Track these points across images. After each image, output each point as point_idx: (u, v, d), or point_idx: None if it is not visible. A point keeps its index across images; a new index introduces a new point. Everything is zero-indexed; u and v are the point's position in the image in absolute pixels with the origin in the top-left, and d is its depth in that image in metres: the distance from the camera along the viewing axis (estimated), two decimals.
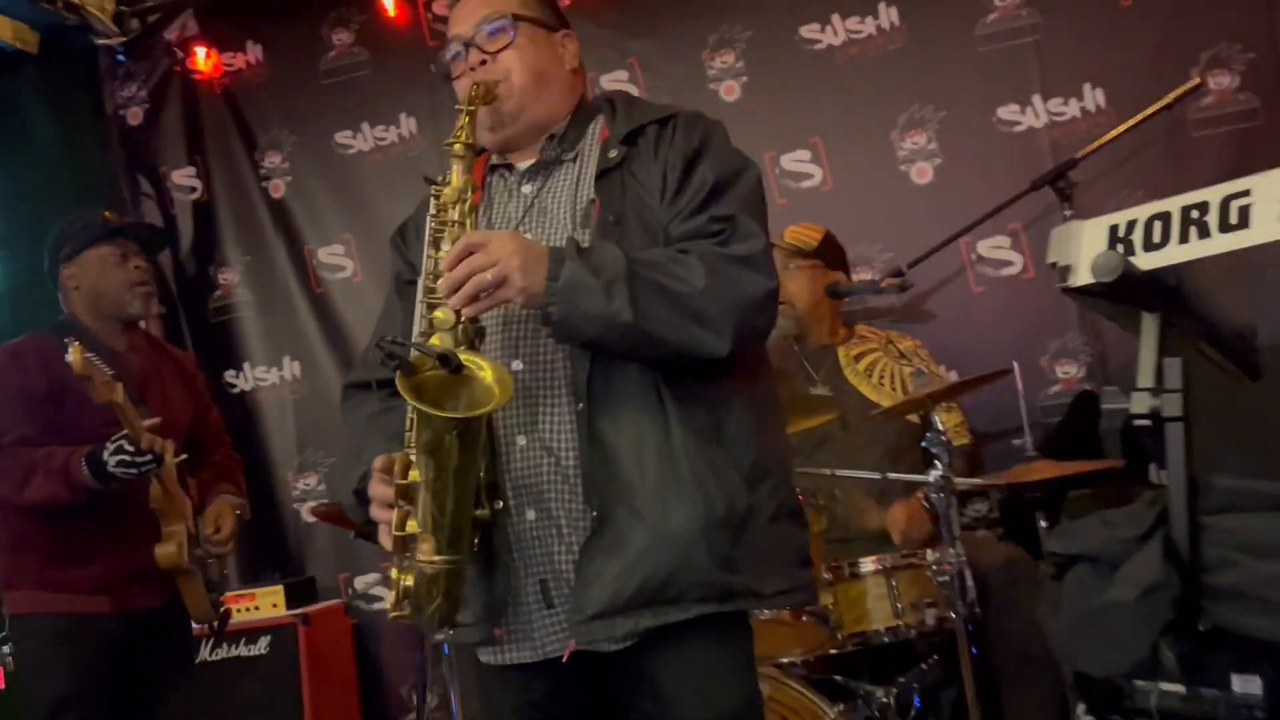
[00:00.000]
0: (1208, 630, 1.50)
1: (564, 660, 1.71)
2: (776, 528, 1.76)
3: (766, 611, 2.61)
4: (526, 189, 1.87)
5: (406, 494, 1.63)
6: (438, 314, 1.65)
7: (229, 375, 4.58)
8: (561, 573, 1.72)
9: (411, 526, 1.62)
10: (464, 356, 1.60)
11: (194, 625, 3.05)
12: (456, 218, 1.73)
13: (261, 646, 3.87)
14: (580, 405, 1.70)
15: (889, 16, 3.96)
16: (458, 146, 1.76)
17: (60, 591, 2.85)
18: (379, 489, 1.68)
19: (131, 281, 3.02)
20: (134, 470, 2.72)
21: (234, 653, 3.86)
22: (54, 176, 4.62)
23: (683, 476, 1.68)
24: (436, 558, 1.60)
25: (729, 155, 1.82)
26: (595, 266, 1.64)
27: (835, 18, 4.00)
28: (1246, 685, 1.54)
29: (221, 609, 3.04)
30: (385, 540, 1.67)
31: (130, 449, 2.70)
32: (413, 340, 1.66)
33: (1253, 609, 1.46)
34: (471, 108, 1.78)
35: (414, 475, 1.61)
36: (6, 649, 2.99)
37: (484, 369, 1.60)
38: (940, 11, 3.92)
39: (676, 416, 1.70)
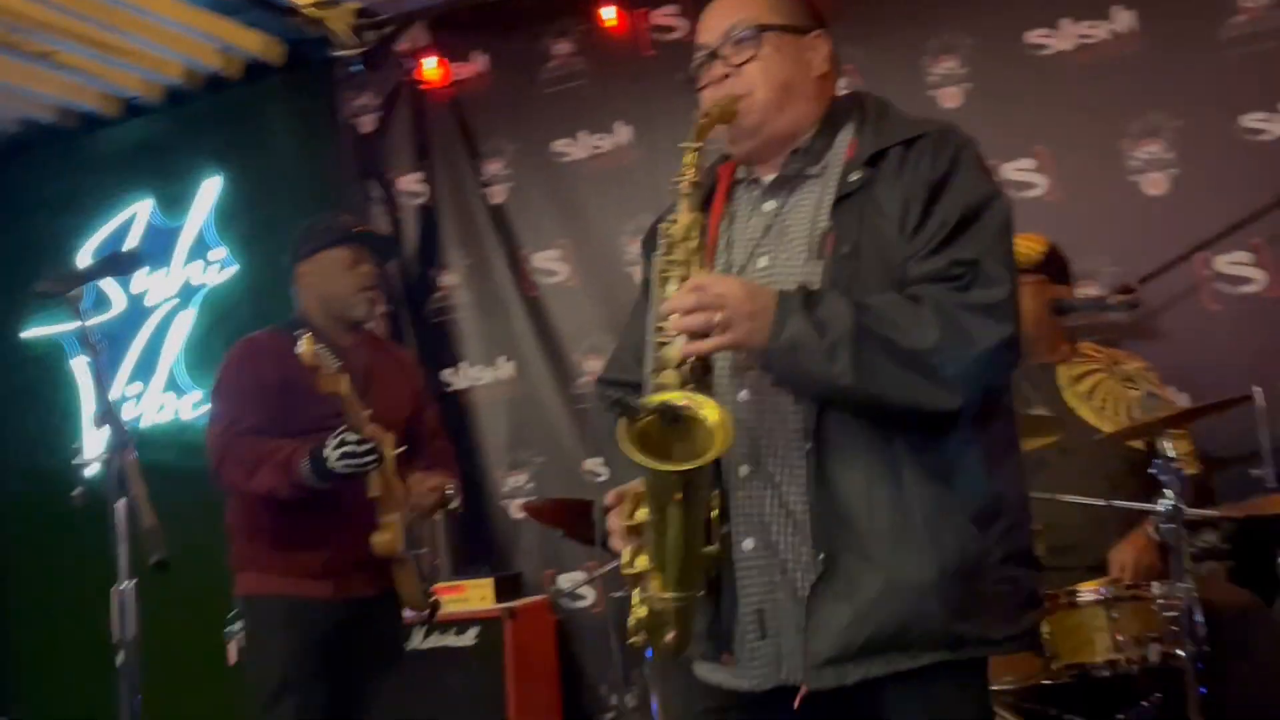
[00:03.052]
0: None
1: (795, 707, 1.68)
2: (1007, 570, 1.69)
3: None
4: (768, 206, 1.83)
5: (638, 531, 1.66)
6: (666, 351, 1.64)
7: (446, 374, 4.74)
8: (779, 604, 1.70)
9: (642, 563, 1.65)
10: (686, 398, 1.60)
11: (406, 613, 3.17)
12: (682, 258, 1.71)
13: (469, 637, 4.00)
14: (809, 445, 1.67)
15: (1124, 19, 3.78)
16: (684, 185, 1.72)
17: (286, 575, 3.01)
18: (613, 524, 1.72)
19: (360, 286, 3.16)
20: (356, 464, 2.84)
21: (443, 642, 4.00)
22: (291, 181, 4.92)
23: (914, 524, 1.64)
24: (666, 594, 1.63)
25: (976, 185, 1.72)
26: (820, 321, 1.60)
27: (1065, 21, 3.85)
28: None
29: (432, 599, 3.15)
30: (624, 570, 1.70)
31: (353, 440, 2.83)
32: (645, 373, 1.69)
33: None
34: (698, 145, 1.73)
35: (641, 515, 1.64)
36: (238, 626, 3.17)
37: (707, 412, 1.58)
38: (1181, 13, 3.72)
39: (909, 460, 1.65)
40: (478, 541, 4.57)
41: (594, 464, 4.42)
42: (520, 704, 3.91)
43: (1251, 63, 3.61)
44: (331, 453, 2.83)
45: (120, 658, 1.79)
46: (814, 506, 1.66)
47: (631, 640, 1.69)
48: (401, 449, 3.07)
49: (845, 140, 1.81)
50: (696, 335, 1.60)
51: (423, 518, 3.18)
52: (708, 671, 1.80)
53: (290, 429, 2.97)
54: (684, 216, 1.71)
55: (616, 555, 1.74)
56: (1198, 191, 3.66)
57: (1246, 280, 3.62)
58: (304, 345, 2.69)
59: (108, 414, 1.91)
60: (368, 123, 4.91)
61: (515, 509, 4.54)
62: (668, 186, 1.75)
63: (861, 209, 1.72)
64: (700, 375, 1.64)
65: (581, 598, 4.42)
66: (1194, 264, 3.60)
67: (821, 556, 1.65)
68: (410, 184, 4.85)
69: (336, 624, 3.01)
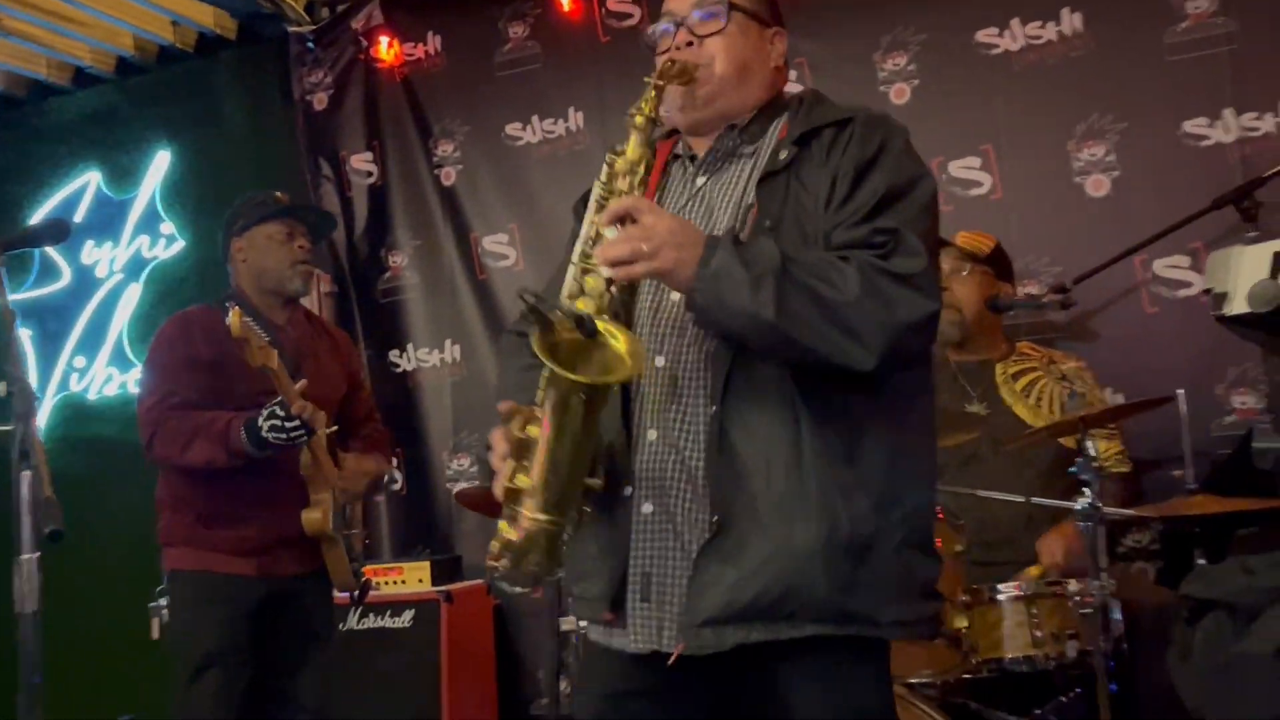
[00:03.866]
0: None
1: (670, 663, 1.70)
2: (902, 557, 1.71)
3: None
4: (700, 181, 1.87)
5: (522, 448, 1.64)
6: (589, 280, 1.66)
7: (393, 355, 4.73)
8: (668, 570, 1.72)
9: (522, 481, 1.63)
10: (602, 325, 1.61)
11: (336, 594, 3.17)
12: (625, 188, 1.73)
13: (405, 620, 4.00)
14: (714, 409, 1.69)
15: (1072, 22, 3.81)
16: (639, 119, 1.77)
17: (214, 551, 3.01)
18: (498, 442, 1.70)
19: (294, 260, 3.15)
20: (284, 436, 2.83)
21: (379, 624, 3.99)
22: (242, 157, 4.89)
23: (809, 494, 1.65)
24: (540, 515, 1.61)
25: (905, 164, 1.75)
26: (748, 259, 1.61)
27: (1014, 22, 3.86)
28: None
29: (362, 579, 3.14)
30: (497, 490, 1.68)
31: (281, 414, 2.82)
32: (560, 300, 1.67)
33: None
34: (660, 82, 1.78)
35: (532, 431, 1.62)
36: (164, 601, 3.16)
37: (619, 339, 1.60)
38: (1128, 18, 3.73)
39: (810, 434, 1.66)
40: (419, 524, 4.58)
41: None
42: (454, 688, 3.91)
43: (1194, 69, 3.63)
44: (264, 423, 2.83)
45: (21, 632, 1.77)
46: (712, 470, 1.68)
47: (491, 564, 1.66)
48: (333, 429, 3.06)
49: (779, 125, 1.87)
50: (623, 263, 1.61)
51: (355, 501, 3.17)
52: (599, 635, 1.82)
53: (224, 404, 2.96)
54: (632, 149, 1.75)
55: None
56: (1139, 194, 3.68)
57: (1184, 284, 3.65)
58: (232, 317, 2.68)
59: (13, 381, 1.89)
60: (320, 100, 4.87)
61: (458, 492, 4.54)
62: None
63: (786, 185, 1.75)
64: (618, 310, 1.67)
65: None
66: (1133, 266, 3.63)
67: (715, 519, 1.66)
68: (361, 163, 4.83)
69: (263, 601, 3.01)
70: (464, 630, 4.05)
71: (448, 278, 4.67)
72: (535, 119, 4.54)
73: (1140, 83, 3.71)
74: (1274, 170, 3.14)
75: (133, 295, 5.19)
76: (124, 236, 5.23)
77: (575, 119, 4.48)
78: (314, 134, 4.87)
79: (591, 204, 1.77)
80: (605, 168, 1.77)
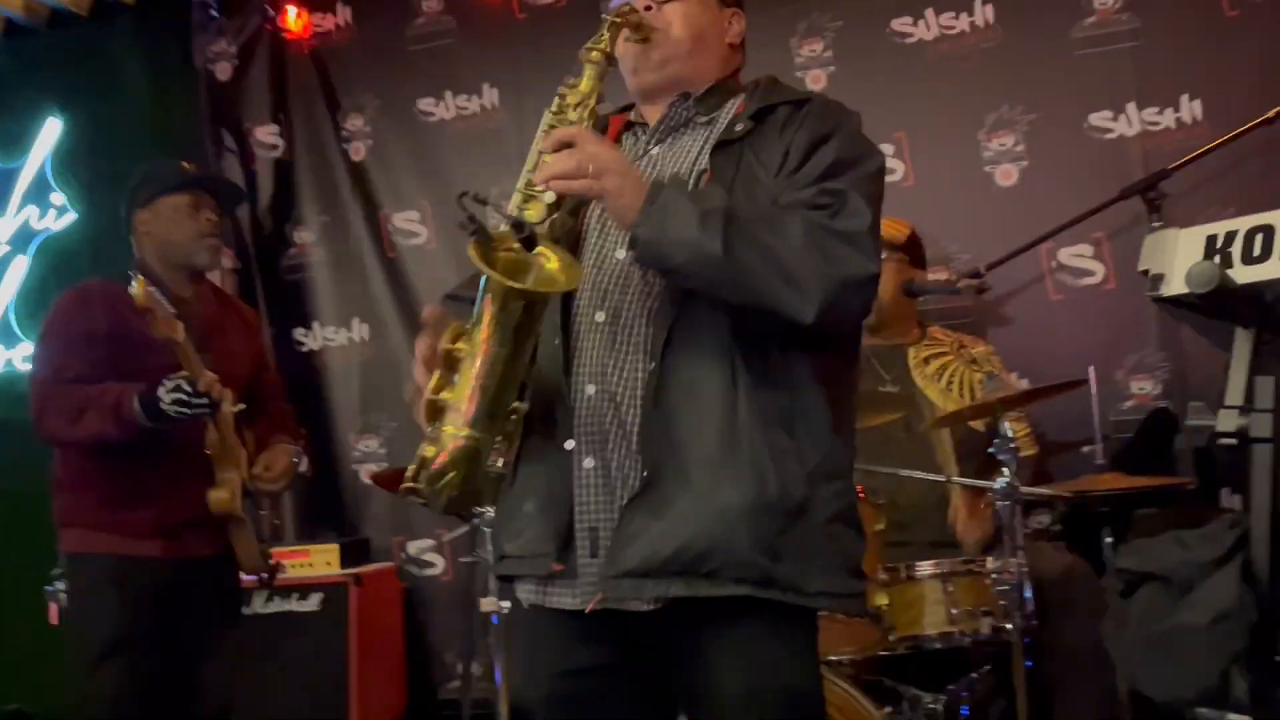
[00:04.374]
0: None
1: (586, 612, 1.69)
2: (831, 530, 1.72)
3: None
4: (655, 150, 1.87)
5: (450, 361, 1.60)
6: (531, 208, 1.63)
7: (298, 333, 4.63)
8: (610, 524, 1.71)
9: (447, 395, 1.60)
10: (541, 244, 1.60)
11: (244, 576, 3.09)
12: (576, 119, 1.73)
13: (313, 603, 3.92)
14: (652, 365, 1.69)
15: (984, 14, 3.89)
16: (594, 53, 1.77)
17: (115, 533, 2.90)
18: (422, 348, 1.66)
19: (201, 232, 3.05)
20: (188, 411, 2.74)
21: (286, 607, 3.91)
22: (141, 127, 4.71)
23: (740, 455, 1.66)
24: (463, 431, 1.57)
25: (857, 142, 1.79)
26: (695, 196, 1.65)
27: (929, 12, 3.93)
28: None
29: (271, 561, 3.07)
30: (418, 412, 1.64)
31: (188, 389, 2.73)
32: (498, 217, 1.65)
33: None
34: (619, 20, 1.79)
35: (461, 347, 1.59)
36: (60, 585, 3.04)
37: (553, 259, 1.59)
38: (1037, 11, 3.84)
39: (747, 398, 1.67)
40: (325, 506, 4.49)
41: None
42: (364, 672, 3.86)
43: (1101, 63, 3.75)
44: (166, 395, 2.72)
45: None
46: (646, 427, 1.68)
47: (407, 484, 1.61)
48: (240, 407, 2.97)
49: (736, 102, 1.88)
50: (565, 178, 1.60)
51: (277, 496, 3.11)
52: (534, 595, 1.80)
53: (124, 381, 2.85)
54: (585, 83, 1.75)
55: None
56: (1046, 185, 3.78)
57: (1087, 273, 3.76)
58: (136, 286, 2.58)
59: None
60: (223, 70, 4.73)
61: (366, 474, 4.47)
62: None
63: (740, 156, 1.77)
64: (559, 237, 1.65)
65: (430, 565, 4.37)
66: (1039, 255, 3.73)
67: (644, 474, 1.67)
68: (266, 136, 4.70)
69: (168, 585, 2.91)
70: (373, 614, 3.99)
71: (356, 255, 4.58)
72: (449, 94, 4.48)
73: (1048, 76, 3.82)
74: (1180, 162, 3.25)
75: (20, 268, 4.98)
76: (10, 206, 5.01)
77: (490, 96, 4.43)
78: (217, 105, 4.72)
79: (539, 133, 1.75)
80: (557, 99, 1.76)
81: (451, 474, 1.59)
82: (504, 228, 1.62)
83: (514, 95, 4.38)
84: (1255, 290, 1.46)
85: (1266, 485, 1.42)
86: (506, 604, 3.13)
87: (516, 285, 1.54)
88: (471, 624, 3.62)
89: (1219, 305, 1.46)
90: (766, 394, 1.68)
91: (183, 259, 3.05)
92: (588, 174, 1.60)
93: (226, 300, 3.33)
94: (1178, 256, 1.52)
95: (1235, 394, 1.45)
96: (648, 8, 1.85)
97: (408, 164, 4.54)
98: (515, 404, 1.63)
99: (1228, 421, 1.44)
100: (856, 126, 1.81)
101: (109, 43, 4.83)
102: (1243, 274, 1.47)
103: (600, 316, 1.75)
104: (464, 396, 1.57)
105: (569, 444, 1.73)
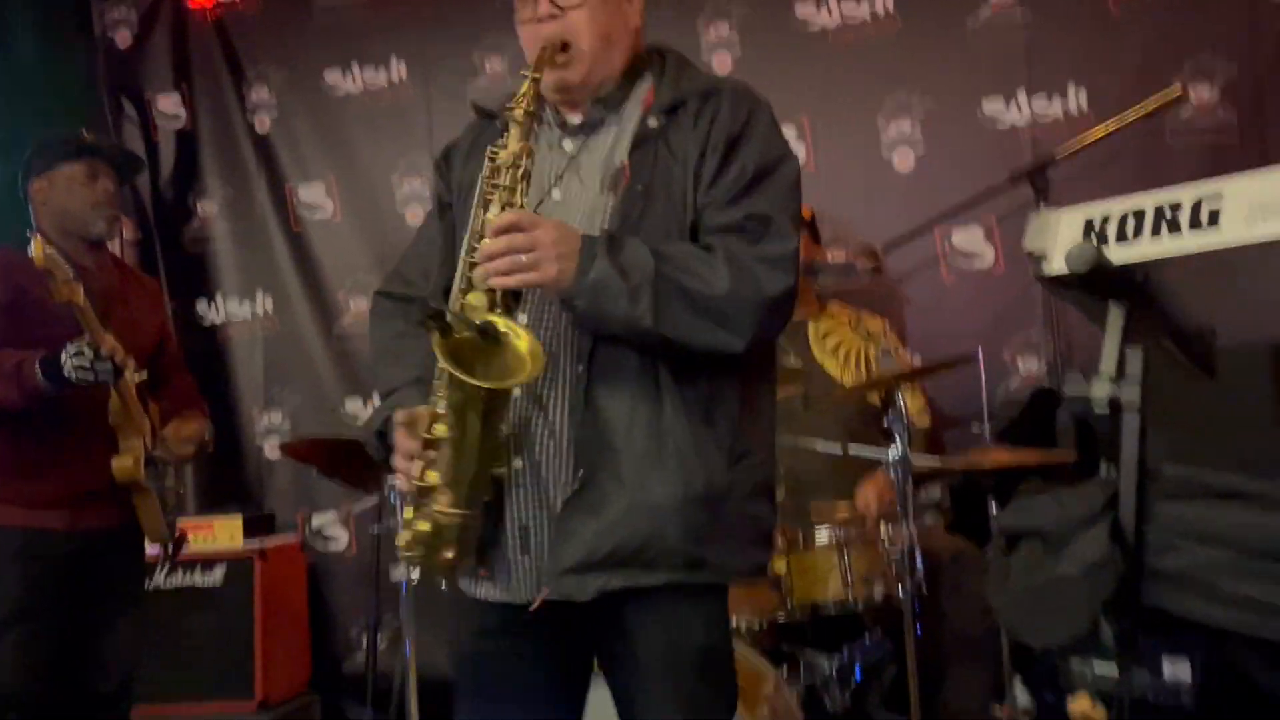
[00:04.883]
0: (1145, 611, 1.57)
1: (532, 609, 1.76)
2: (750, 506, 1.82)
3: None
4: (568, 145, 1.90)
5: (430, 444, 1.69)
6: (477, 273, 1.69)
7: (200, 306, 4.58)
8: (541, 523, 1.78)
9: (431, 477, 1.68)
10: (501, 323, 1.65)
11: (148, 548, 3.07)
12: (508, 183, 1.75)
13: (216, 577, 3.90)
14: (580, 368, 1.75)
15: (884, 3, 4.01)
16: (518, 112, 1.77)
17: (16, 504, 2.86)
18: (404, 442, 1.75)
19: (97, 202, 3.01)
20: (91, 376, 2.71)
21: (189, 581, 3.88)
22: (36, 94, 4.56)
23: (668, 452, 1.73)
24: (453, 510, 1.67)
25: (771, 143, 1.83)
26: (624, 267, 1.68)
27: (831, 0, 4.04)
28: (1177, 670, 1.62)
29: (176, 532, 3.06)
30: (404, 486, 1.74)
31: (90, 353, 2.70)
32: (453, 289, 1.72)
33: (1190, 593, 1.53)
34: (537, 75, 1.79)
35: (439, 431, 1.67)
36: None
37: (520, 338, 1.65)
38: (934, 2, 3.97)
39: (671, 393, 1.75)
40: (227, 479, 4.46)
41: (354, 405, 4.38)
42: (268, 645, 3.85)
43: (994, 53, 3.89)
44: (68, 359, 2.69)
45: None
46: (578, 429, 1.74)
47: (405, 556, 1.72)
48: (143, 375, 2.95)
49: (644, 88, 1.90)
50: (506, 273, 1.66)
51: (180, 465, 3.09)
52: (473, 587, 1.85)
53: (21, 347, 2.81)
54: (513, 143, 1.77)
55: (389, 476, 1.77)
56: (940, 170, 3.93)
57: (978, 256, 3.91)
58: (35, 247, 2.55)
59: None
60: (123, 38, 4.65)
61: (270, 448, 4.45)
62: (440, 125, 1.79)
63: (656, 152, 1.81)
64: (510, 303, 1.70)
65: (334, 539, 4.38)
66: (934, 237, 3.87)
67: (580, 474, 1.73)
68: (168, 105, 4.64)
69: (71, 556, 2.88)
70: (277, 587, 3.98)
71: (260, 228, 4.55)
72: (355, 67, 4.45)
73: (945, 64, 3.95)
74: (1068, 151, 3.39)
75: None
76: None
77: (398, 70, 4.42)
78: (116, 73, 4.64)
79: (477, 198, 1.80)
80: (488, 162, 1.79)
81: (446, 546, 1.71)
82: (460, 310, 1.69)
83: (421, 70, 4.37)
84: (1127, 269, 1.56)
85: (1134, 448, 1.52)
86: (417, 573, 3.17)
87: (483, 385, 1.60)
88: (378, 596, 3.65)
89: (1095, 283, 1.56)
90: (688, 390, 1.76)
91: (79, 228, 3.01)
92: (522, 266, 1.66)
93: (128, 271, 3.30)
94: (1059, 237, 1.62)
95: (1108, 365, 1.55)
96: (551, 15, 1.84)
97: (313, 137, 4.51)
98: (495, 471, 1.73)
99: (1101, 390, 1.54)
100: (769, 119, 1.85)
101: (2, 8, 4.70)
102: (1117, 254, 1.57)
103: (521, 318, 1.78)
104: (449, 479, 1.67)
105: (517, 461, 1.77)
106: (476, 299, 1.69)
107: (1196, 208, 1.54)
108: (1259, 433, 1.77)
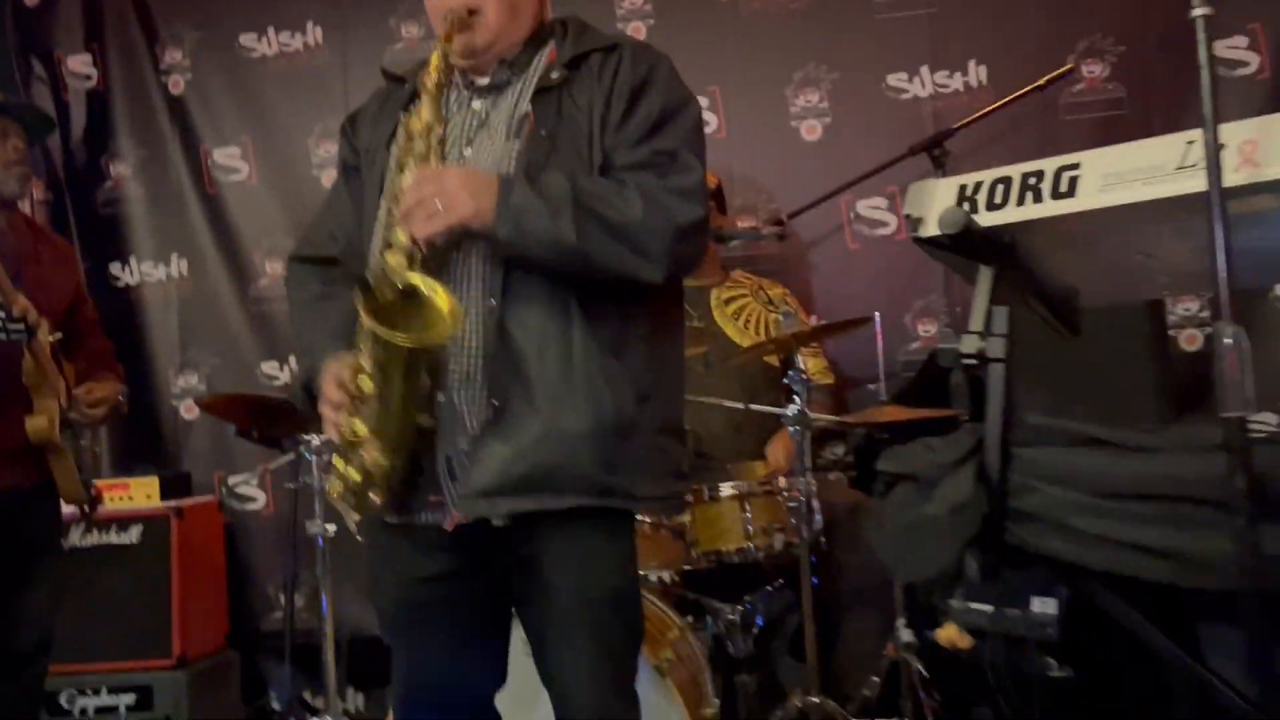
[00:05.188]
0: (1009, 550, 1.71)
1: (448, 529, 1.86)
2: (658, 440, 1.92)
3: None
4: (477, 105, 1.98)
5: (357, 399, 1.78)
6: (397, 235, 1.76)
7: (114, 268, 4.56)
8: (460, 452, 1.86)
9: (359, 429, 1.77)
10: (422, 284, 1.73)
11: (64, 509, 3.09)
12: (423, 149, 1.84)
13: (133, 536, 3.91)
14: (493, 302, 1.83)
15: None
16: (430, 83, 1.86)
17: None
18: (331, 393, 1.82)
19: (8, 161, 3.01)
20: (3, 336, 2.73)
21: (105, 540, 3.89)
22: None
23: (578, 381, 1.83)
24: (381, 459, 1.77)
25: (674, 89, 1.94)
26: (542, 193, 1.77)
27: None
28: (1044, 606, 1.76)
29: (92, 492, 3.08)
30: (333, 434, 1.83)
31: (1, 314, 2.72)
32: (371, 255, 1.80)
33: (1047, 530, 1.67)
34: (448, 44, 1.87)
35: (364, 383, 1.75)
36: None
37: (440, 296, 1.72)
38: None
39: (581, 327, 1.84)
40: (143, 441, 4.45)
41: (270, 367, 4.41)
42: (185, 604, 3.88)
43: (898, 27, 4.02)
44: None
45: None
46: (492, 360, 1.83)
47: (337, 502, 1.83)
48: (57, 336, 2.96)
49: (547, 51, 1.99)
50: (424, 222, 1.74)
51: (94, 426, 3.10)
52: (403, 517, 1.93)
53: None
54: (426, 111, 1.85)
55: (305, 435, 1.85)
56: (847, 140, 4.05)
57: (882, 224, 4.05)
58: None
59: None
60: None
61: (185, 409, 4.46)
62: (357, 90, 1.87)
63: (560, 101, 1.90)
64: (428, 261, 1.77)
65: (252, 499, 4.41)
66: (839, 206, 4.00)
67: (495, 403, 1.82)
68: (79, 65, 4.58)
69: None
70: (194, 546, 4.01)
71: (175, 190, 4.52)
72: (271, 30, 4.45)
73: (851, 38, 4.07)
74: (962, 123, 3.54)
75: None
76: None
77: (314, 34, 4.42)
78: (25, 31, 4.56)
79: (392, 163, 1.89)
80: (401, 129, 1.88)
81: (375, 491, 1.81)
82: (382, 271, 1.76)
83: (339, 34, 4.38)
84: (995, 232, 1.70)
85: (999, 397, 1.66)
86: (332, 527, 3.24)
87: (405, 343, 1.68)
88: (295, 553, 3.70)
89: (965, 245, 1.69)
90: (598, 325, 1.85)
91: None
92: (438, 211, 1.74)
93: (40, 231, 3.29)
94: (935, 202, 1.75)
95: (977, 321, 1.69)
96: None
97: (228, 99, 4.50)
98: (420, 420, 1.81)
99: (970, 345, 1.68)
100: (670, 69, 1.96)
101: None
102: (986, 218, 1.70)
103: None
104: (375, 429, 1.77)
105: (437, 398, 1.85)
106: (395, 258, 1.76)
107: (1058, 177, 1.68)
108: (1119, 386, 1.93)
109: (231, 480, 4.38)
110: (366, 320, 1.68)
